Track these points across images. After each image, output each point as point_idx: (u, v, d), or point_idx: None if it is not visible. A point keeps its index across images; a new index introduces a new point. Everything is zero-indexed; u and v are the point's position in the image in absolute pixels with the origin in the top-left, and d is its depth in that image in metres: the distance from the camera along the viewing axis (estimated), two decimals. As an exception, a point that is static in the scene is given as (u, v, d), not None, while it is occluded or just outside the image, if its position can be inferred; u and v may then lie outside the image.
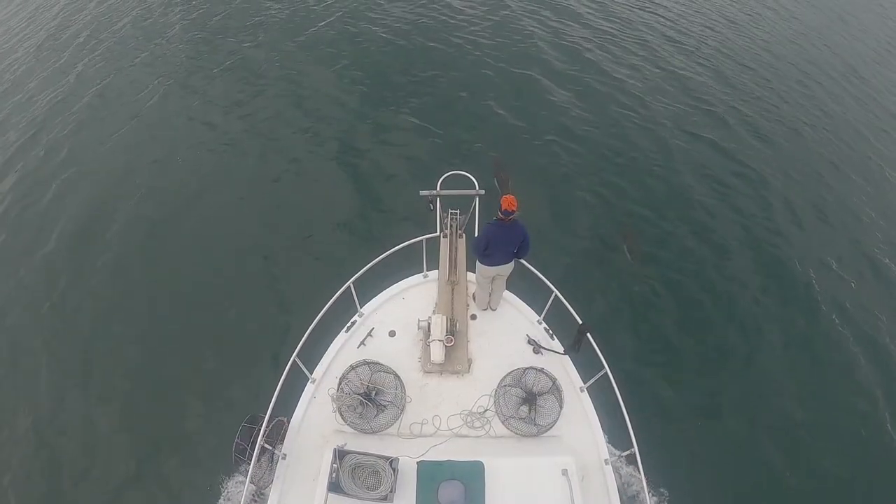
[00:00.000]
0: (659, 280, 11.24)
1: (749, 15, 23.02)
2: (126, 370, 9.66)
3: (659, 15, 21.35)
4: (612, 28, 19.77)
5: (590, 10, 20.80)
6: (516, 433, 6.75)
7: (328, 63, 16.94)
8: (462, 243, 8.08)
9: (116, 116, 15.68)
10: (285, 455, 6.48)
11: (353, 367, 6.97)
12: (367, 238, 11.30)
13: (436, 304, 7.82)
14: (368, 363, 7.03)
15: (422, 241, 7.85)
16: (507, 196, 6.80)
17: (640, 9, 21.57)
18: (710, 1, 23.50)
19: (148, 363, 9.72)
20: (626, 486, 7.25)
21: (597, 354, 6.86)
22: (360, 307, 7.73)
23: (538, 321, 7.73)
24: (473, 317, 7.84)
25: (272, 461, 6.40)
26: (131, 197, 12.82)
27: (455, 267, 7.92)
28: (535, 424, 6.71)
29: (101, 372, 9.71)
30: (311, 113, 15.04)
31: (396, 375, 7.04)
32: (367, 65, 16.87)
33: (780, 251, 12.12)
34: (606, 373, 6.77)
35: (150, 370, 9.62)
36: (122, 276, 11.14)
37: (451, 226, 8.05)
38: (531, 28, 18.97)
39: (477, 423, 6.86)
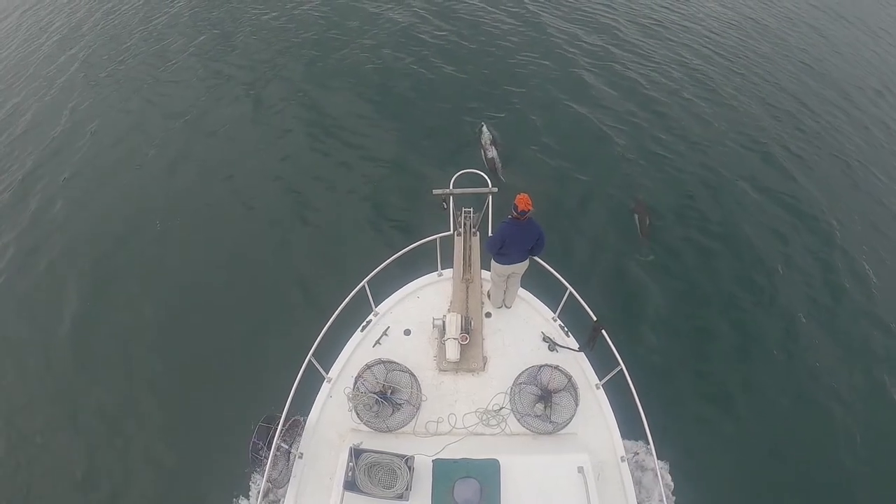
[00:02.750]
0: (675, 276, 11.14)
1: (789, 33, 21.49)
2: (142, 372, 9.79)
3: (691, 33, 20.11)
4: (651, 50, 18.59)
5: (631, 31, 19.61)
6: (532, 431, 6.73)
7: (350, 92, 15.80)
8: (476, 241, 8.08)
9: (117, 162, 14.20)
10: (301, 454, 6.54)
11: (368, 366, 6.98)
12: (382, 237, 11.34)
13: (450, 302, 7.83)
14: (384, 362, 7.05)
15: (436, 239, 7.85)
16: (522, 195, 6.79)
17: (683, 30, 20.24)
18: (745, 16, 22.24)
19: (164, 365, 9.83)
20: (642, 483, 7.19)
21: (612, 351, 6.84)
22: (375, 306, 7.76)
23: (553, 318, 7.72)
24: (488, 315, 7.84)
25: (288, 460, 6.45)
26: (142, 232, 12.14)
27: (469, 265, 7.92)
28: (550, 422, 6.68)
29: (118, 373, 9.85)
30: (329, 130, 14.53)
31: (412, 374, 7.05)
32: (384, 86, 15.97)
33: (835, 305, 11.05)
34: (622, 369, 6.74)
35: (165, 372, 9.73)
36: (137, 279, 11.27)
37: (464, 224, 8.03)
38: (571, 55, 17.61)
39: (492, 421, 6.86)
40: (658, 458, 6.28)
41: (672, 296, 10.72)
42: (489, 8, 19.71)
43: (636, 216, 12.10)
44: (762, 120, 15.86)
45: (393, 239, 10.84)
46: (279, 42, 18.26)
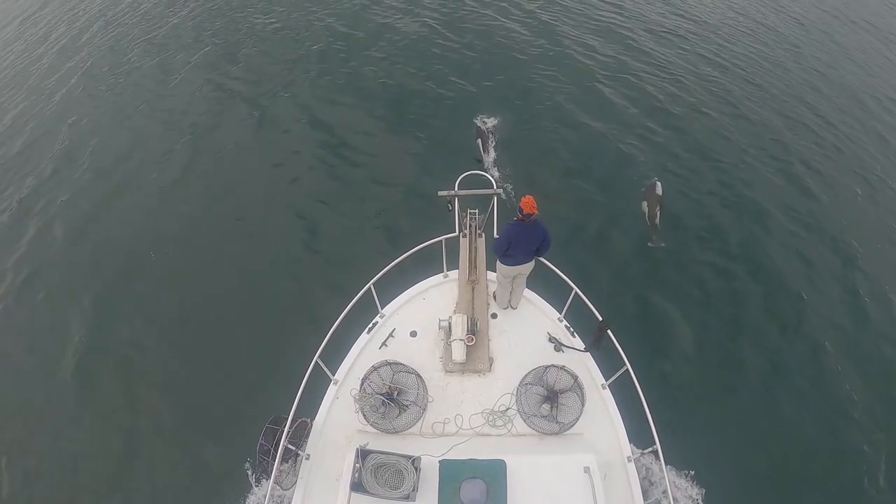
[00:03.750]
0: (698, 302, 10.90)
1: (802, 40, 20.84)
2: (149, 376, 9.87)
3: (707, 42, 19.54)
4: (667, 61, 17.99)
5: (646, 41, 18.99)
6: (538, 431, 6.74)
7: (359, 109, 15.28)
8: (481, 242, 8.11)
9: (117, 184, 13.73)
10: (308, 455, 6.57)
11: (374, 368, 7.02)
12: (387, 239, 11.37)
13: (456, 303, 7.85)
14: (390, 363, 7.08)
15: (441, 241, 7.87)
16: (527, 198, 6.81)
17: (700, 39, 19.59)
18: (757, 22, 21.64)
19: (172, 369, 9.90)
20: (648, 483, 7.19)
21: (618, 351, 6.84)
22: (381, 308, 7.78)
23: (559, 319, 7.71)
24: (494, 316, 7.84)
25: (296, 461, 6.48)
26: (144, 254, 11.89)
27: (475, 266, 7.94)
28: (556, 422, 6.69)
29: (127, 376, 9.94)
30: (336, 146, 14.19)
31: (418, 375, 7.08)
32: (393, 101, 15.49)
33: (857, 330, 10.72)
34: (628, 369, 6.75)
35: (174, 375, 9.81)
36: (150, 284, 11.34)
37: (470, 225, 8.08)
38: (586, 68, 17.02)
39: (499, 422, 6.88)
40: (665, 458, 6.23)
41: (695, 323, 10.45)
42: (500, 18, 19.23)
43: (645, 202, 12.09)
44: (781, 133, 15.44)
45: (398, 241, 10.86)
46: (285, 54, 17.78)
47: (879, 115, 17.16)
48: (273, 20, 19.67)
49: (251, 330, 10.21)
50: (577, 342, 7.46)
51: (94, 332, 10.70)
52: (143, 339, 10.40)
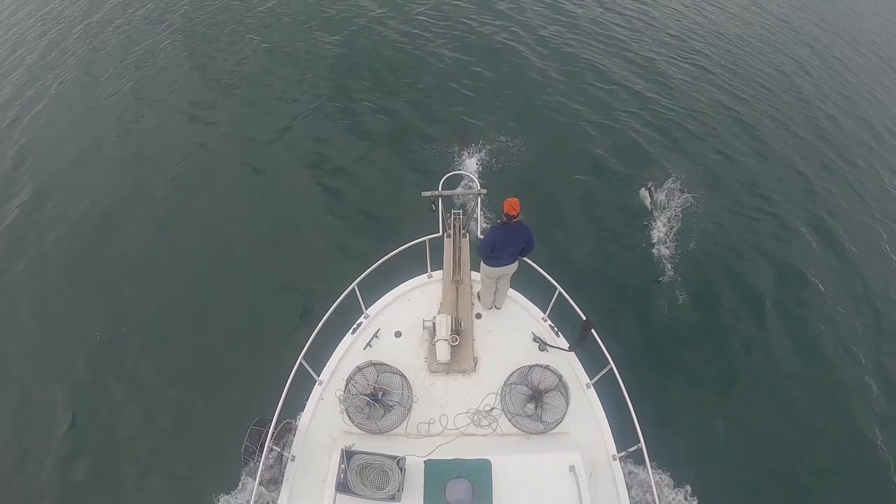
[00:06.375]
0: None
1: (816, 66, 20.75)
2: (134, 377, 9.74)
3: (731, 75, 19.03)
4: (691, 94, 17.36)
5: (671, 70, 18.39)
6: (523, 431, 6.78)
7: (355, 146, 14.17)
8: (465, 243, 8.12)
9: (82, 251, 12.04)
10: (294, 456, 6.54)
11: (359, 369, 7.00)
12: (371, 240, 11.30)
13: (440, 303, 7.85)
14: (375, 364, 7.07)
15: (425, 241, 7.87)
16: (510, 200, 6.84)
17: (725, 72, 19.09)
18: (767, 45, 21.64)
19: (155, 370, 9.78)
20: (634, 481, 7.24)
21: (602, 350, 6.89)
22: (366, 309, 7.77)
23: (543, 318, 7.76)
24: (478, 316, 7.87)
25: (281, 463, 6.47)
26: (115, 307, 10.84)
27: (459, 266, 7.96)
28: (541, 422, 6.73)
29: (111, 375, 9.79)
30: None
31: (403, 376, 7.07)
32: (393, 140, 14.35)
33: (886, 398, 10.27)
34: (612, 368, 6.80)
35: (157, 377, 9.68)
36: (131, 282, 11.22)
37: (453, 226, 8.08)
38: (605, 102, 16.23)
39: (484, 422, 6.89)
40: (649, 456, 6.27)
41: (722, 400, 9.80)
42: (511, 43, 18.39)
43: (644, 190, 12.46)
44: (804, 176, 14.86)
45: (382, 242, 10.69)
46: (274, 83, 16.47)
47: (894, 148, 17.09)
48: (264, 41, 18.42)
49: (235, 331, 10.12)
50: (562, 341, 7.50)
51: (71, 349, 10.37)
52: (128, 343, 10.24)
